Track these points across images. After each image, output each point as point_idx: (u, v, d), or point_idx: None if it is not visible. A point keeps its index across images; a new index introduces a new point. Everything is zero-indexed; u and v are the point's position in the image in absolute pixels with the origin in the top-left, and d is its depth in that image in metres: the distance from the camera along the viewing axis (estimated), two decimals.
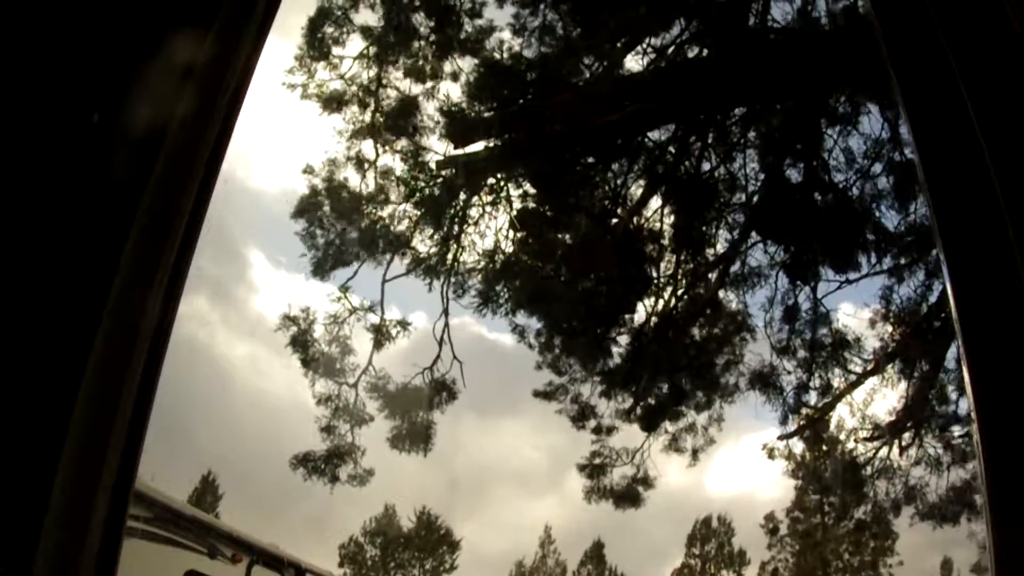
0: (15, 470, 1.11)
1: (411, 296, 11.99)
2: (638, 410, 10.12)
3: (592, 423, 10.20)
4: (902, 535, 11.14)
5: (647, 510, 10.60)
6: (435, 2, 9.45)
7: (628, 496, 10.39)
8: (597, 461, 10.38)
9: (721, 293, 9.89)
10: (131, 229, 1.22)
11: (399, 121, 9.43)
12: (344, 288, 9.73)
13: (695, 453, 10.26)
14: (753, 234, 9.65)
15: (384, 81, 9.59)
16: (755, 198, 9.54)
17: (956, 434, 9.55)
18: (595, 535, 23.68)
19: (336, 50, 9.60)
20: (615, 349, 9.88)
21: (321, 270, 9.59)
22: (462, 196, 9.61)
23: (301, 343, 9.66)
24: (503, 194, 9.53)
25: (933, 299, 9.34)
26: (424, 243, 9.69)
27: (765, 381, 9.77)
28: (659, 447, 10.31)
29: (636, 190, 9.69)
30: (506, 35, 9.39)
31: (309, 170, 9.61)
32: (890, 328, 9.68)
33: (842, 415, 10.20)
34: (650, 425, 10.17)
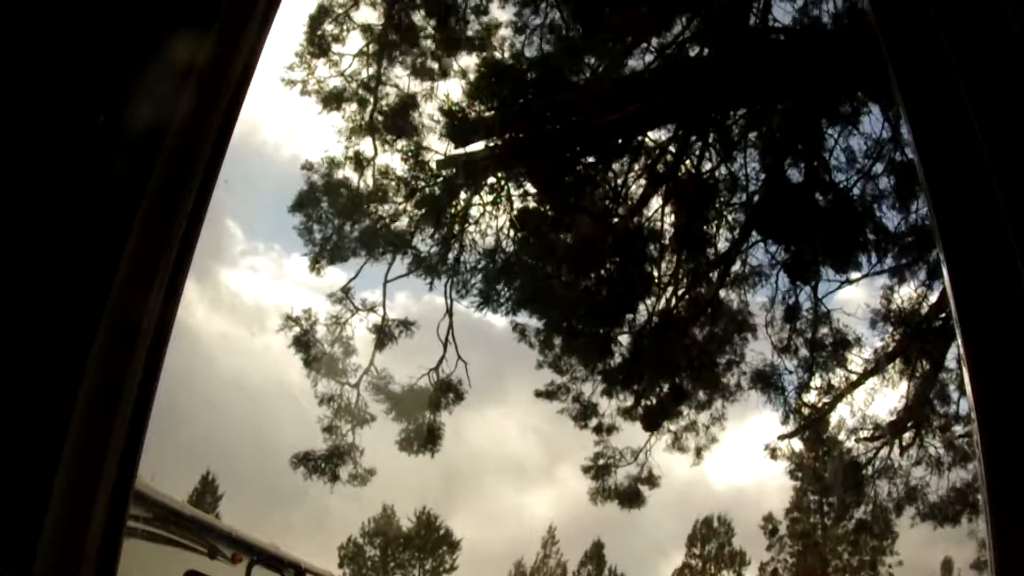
0: (15, 470, 1.11)
1: (413, 295, 11.99)
2: (639, 409, 10.12)
3: (594, 422, 10.20)
4: (903, 535, 11.14)
5: (647, 510, 10.62)
6: (436, 1, 9.46)
7: (632, 496, 10.38)
8: (601, 462, 10.37)
9: (722, 293, 9.90)
10: (131, 229, 1.23)
11: (399, 120, 9.43)
12: (346, 288, 9.73)
13: (699, 451, 10.26)
14: (754, 234, 9.65)
15: (384, 79, 9.60)
16: (756, 198, 9.55)
17: (957, 434, 9.55)
18: (595, 534, 23.68)
19: (336, 47, 9.62)
20: (616, 349, 9.89)
21: (317, 266, 9.59)
22: (463, 195, 9.62)
23: (303, 343, 9.66)
24: (503, 194, 9.53)
25: (933, 299, 9.35)
26: (425, 243, 9.70)
27: (766, 381, 9.77)
28: (661, 447, 10.32)
29: (637, 190, 9.70)
30: (507, 34, 9.41)
31: (308, 166, 9.61)
32: (890, 328, 9.68)
33: (842, 415, 10.20)
34: (651, 424, 10.17)
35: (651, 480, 10.34)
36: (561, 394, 10.11)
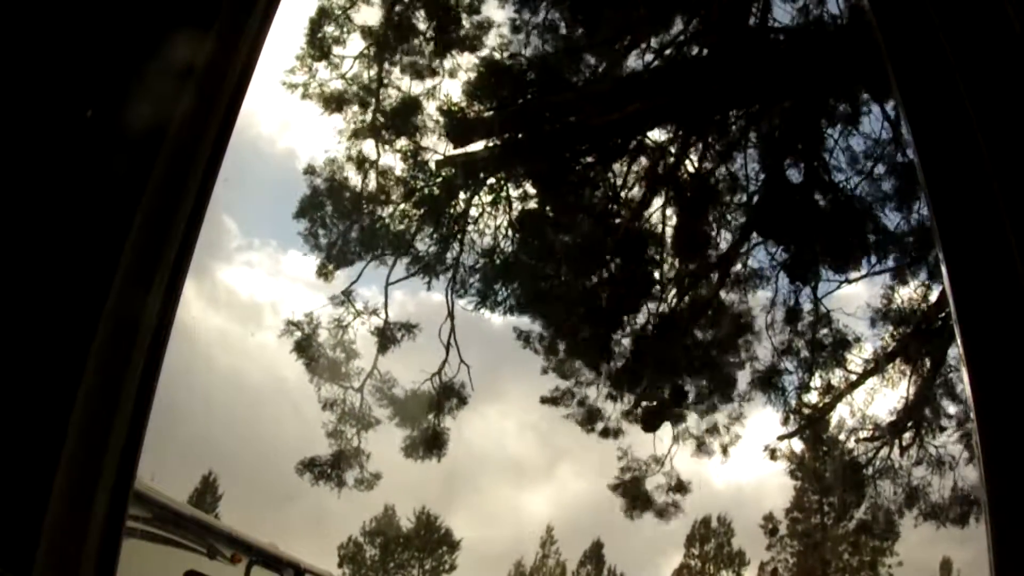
0: (15, 470, 1.11)
1: (412, 294, 11.98)
2: (638, 411, 10.12)
3: (600, 426, 10.18)
4: (903, 535, 11.13)
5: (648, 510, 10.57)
6: (435, 1, 9.46)
7: (665, 510, 10.31)
8: (628, 476, 10.29)
9: (722, 293, 9.90)
10: (131, 229, 1.22)
11: (399, 121, 9.43)
12: (347, 291, 9.71)
13: (724, 449, 10.21)
14: (754, 234, 9.66)
15: (384, 81, 9.60)
16: (755, 198, 9.55)
17: (957, 434, 9.55)
18: (594, 534, 23.65)
19: (337, 49, 9.62)
20: (617, 350, 9.89)
21: (325, 271, 9.60)
22: (462, 196, 9.62)
23: (305, 347, 9.63)
24: (503, 194, 9.53)
25: (933, 299, 9.35)
26: (426, 243, 9.69)
27: (766, 381, 9.77)
28: (669, 449, 10.27)
29: (637, 190, 9.70)
30: (507, 34, 9.41)
31: (311, 170, 9.61)
32: (890, 328, 9.68)
33: (842, 415, 10.20)
34: (650, 426, 10.17)
35: (681, 487, 10.26)
36: (566, 399, 10.10)
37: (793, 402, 9.98)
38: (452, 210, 9.66)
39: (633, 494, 10.24)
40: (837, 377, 10.01)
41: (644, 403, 10.12)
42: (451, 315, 9.58)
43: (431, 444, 9.70)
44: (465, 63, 9.44)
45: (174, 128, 1.29)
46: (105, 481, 1.18)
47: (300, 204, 9.53)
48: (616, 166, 9.55)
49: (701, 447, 10.26)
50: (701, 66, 9.02)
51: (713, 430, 10.21)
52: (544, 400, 10.20)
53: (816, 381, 9.99)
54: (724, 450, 10.24)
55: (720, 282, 9.85)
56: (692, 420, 10.18)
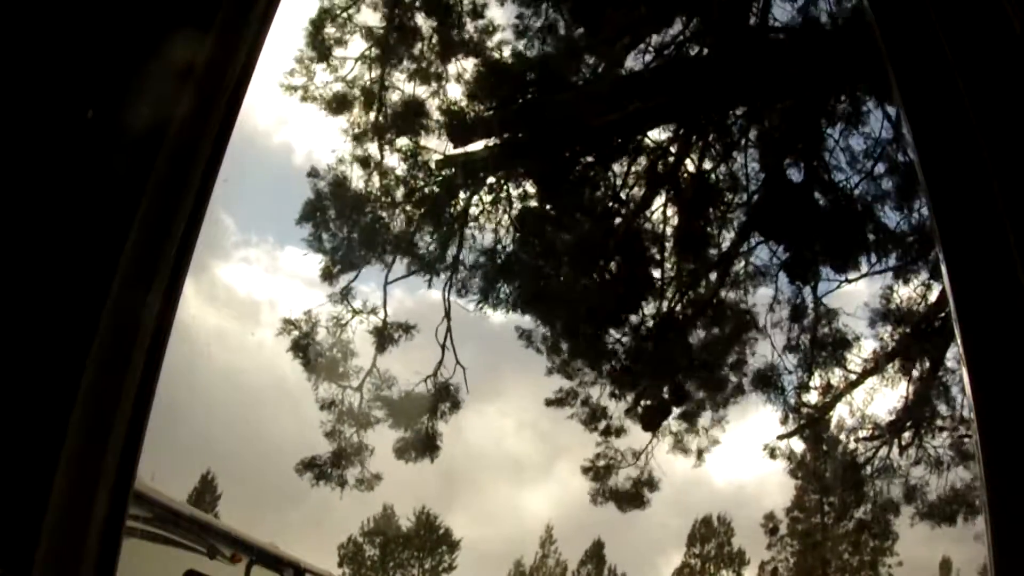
0: (15, 470, 1.11)
1: (411, 292, 11.98)
2: (639, 410, 10.11)
3: (602, 424, 10.19)
4: (902, 534, 11.13)
5: (648, 508, 10.62)
6: (436, 1, 9.46)
7: (632, 498, 10.37)
8: (602, 463, 10.34)
9: (722, 293, 9.90)
10: (131, 229, 1.22)
11: (398, 121, 9.42)
12: (346, 290, 9.70)
13: (699, 453, 10.25)
14: (754, 234, 9.66)
15: (386, 82, 9.59)
16: (755, 198, 9.55)
17: (956, 434, 9.56)
18: (594, 533, 23.66)
19: (337, 51, 9.61)
20: (618, 350, 9.88)
21: (329, 275, 9.59)
22: (462, 195, 9.61)
23: (302, 347, 9.62)
24: (503, 194, 9.53)
25: (933, 299, 9.35)
26: (425, 243, 9.68)
27: (766, 381, 9.78)
28: (663, 448, 10.29)
29: (637, 190, 9.69)
30: (507, 34, 9.41)
31: (314, 173, 9.59)
32: (890, 328, 9.68)
33: (842, 415, 10.20)
34: (650, 425, 10.17)
35: (651, 483, 10.31)
36: (570, 400, 10.11)
37: (793, 401, 10.00)
38: (452, 210, 9.66)
39: (602, 480, 10.31)
40: (837, 377, 10.02)
41: (644, 402, 10.12)
42: (448, 316, 9.58)
43: (423, 447, 9.68)
44: (465, 63, 9.45)
45: (174, 128, 1.29)
46: (105, 481, 1.18)
47: (304, 209, 9.51)
48: (616, 166, 9.56)
49: (700, 449, 10.27)
50: (701, 66, 9.01)
51: (712, 430, 10.22)
52: (549, 403, 10.20)
53: (816, 381, 10.01)
54: (699, 454, 10.25)
55: (720, 281, 9.85)
56: (691, 420, 10.20)
